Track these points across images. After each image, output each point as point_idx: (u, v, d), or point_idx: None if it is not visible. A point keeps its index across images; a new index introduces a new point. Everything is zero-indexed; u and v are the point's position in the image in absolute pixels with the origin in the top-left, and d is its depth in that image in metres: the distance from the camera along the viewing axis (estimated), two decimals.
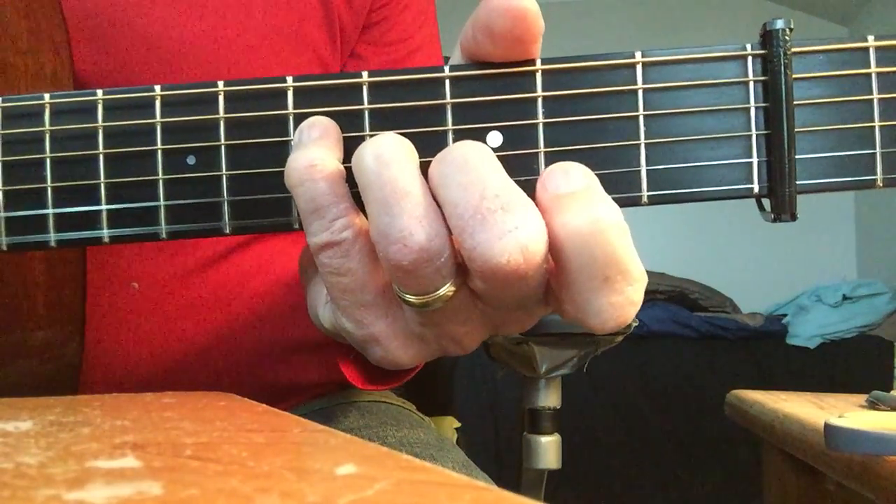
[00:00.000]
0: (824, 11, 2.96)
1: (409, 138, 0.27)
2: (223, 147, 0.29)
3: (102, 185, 0.30)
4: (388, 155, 0.25)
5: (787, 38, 0.28)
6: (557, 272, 0.26)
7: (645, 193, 0.28)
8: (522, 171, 0.28)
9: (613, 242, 0.25)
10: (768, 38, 0.28)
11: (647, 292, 0.26)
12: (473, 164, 0.25)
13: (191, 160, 0.29)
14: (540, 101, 0.28)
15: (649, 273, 0.27)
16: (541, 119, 0.28)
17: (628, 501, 2.03)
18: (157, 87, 0.29)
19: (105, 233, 0.30)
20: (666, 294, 2.32)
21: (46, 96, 0.30)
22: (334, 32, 0.50)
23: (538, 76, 0.28)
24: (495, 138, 0.28)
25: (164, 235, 0.30)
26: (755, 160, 0.28)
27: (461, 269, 0.26)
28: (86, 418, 0.23)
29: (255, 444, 0.19)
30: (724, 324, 2.19)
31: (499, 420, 1.99)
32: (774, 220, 0.28)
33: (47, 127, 0.30)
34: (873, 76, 0.28)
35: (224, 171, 0.29)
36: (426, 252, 0.25)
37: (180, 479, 0.15)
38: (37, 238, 0.30)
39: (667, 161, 0.28)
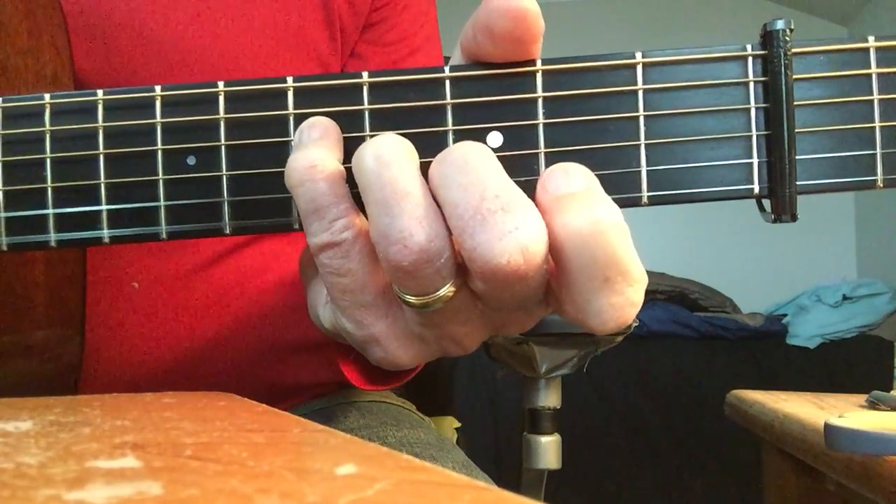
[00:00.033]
0: (824, 11, 2.96)
1: (409, 138, 0.27)
2: (223, 147, 0.29)
3: (103, 186, 0.30)
4: (389, 155, 0.25)
5: (787, 38, 0.28)
6: (558, 273, 0.26)
7: (645, 194, 0.28)
8: (523, 171, 0.28)
9: (613, 243, 0.25)
10: (769, 38, 0.28)
11: (647, 292, 0.26)
12: (474, 164, 0.25)
13: (191, 160, 0.29)
14: (540, 101, 0.28)
15: (649, 273, 0.27)
16: (541, 119, 0.28)
17: (628, 501, 2.03)
18: (158, 88, 0.29)
19: (105, 233, 0.30)
20: (666, 294, 2.32)
21: (47, 96, 0.30)
22: (335, 32, 0.50)
23: (538, 76, 0.28)
24: (495, 139, 0.28)
25: (164, 236, 0.30)
26: (755, 161, 0.28)
27: (461, 269, 0.26)
28: (86, 418, 0.23)
29: (255, 444, 0.19)
30: (724, 324, 2.19)
31: (499, 420, 1.99)
32: (775, 221, 0.28)
33: (48, 127, 0.30)
34: (874, 77, 0.28)
35: (224, 172, 0.29)
36: (426, 253, 0.25)
37: (180, 479, 0.15)
38: (37, 238, 0.30)
39: (667, 161, 0.28)
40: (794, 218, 0.28)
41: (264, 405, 0.26)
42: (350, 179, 0.27)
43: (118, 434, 0.20)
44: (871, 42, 0.28)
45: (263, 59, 0.46)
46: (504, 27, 0.26)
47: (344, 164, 0.28)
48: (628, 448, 2.06)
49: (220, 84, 0.29)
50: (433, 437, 0.50)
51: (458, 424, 0.74)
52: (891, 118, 0.28)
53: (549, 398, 0.72)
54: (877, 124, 0.28)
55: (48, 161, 0.30)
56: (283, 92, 0.29)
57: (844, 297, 2.31)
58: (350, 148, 0.27)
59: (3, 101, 0.30)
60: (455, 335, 0.29)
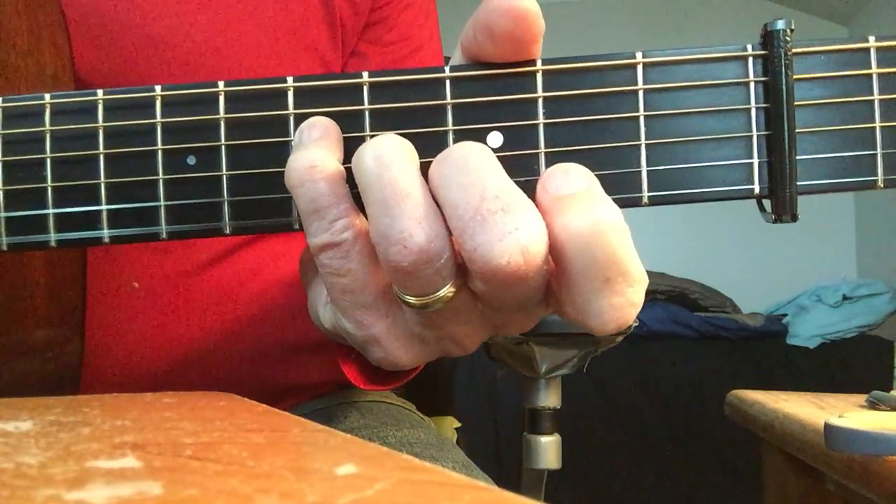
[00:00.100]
0: (824, 11, 2.96)
1: (409, 139, 0.27)
2: (223, 147, 0.29)
3: (103, 185, 0.30)
4: (389, 156, 0.25)
5: (787, 38, 0.28)
6: (558, 273, 0.26)
7: (645, 194, 0.28)
8: (523, 171, 0.28)
9: (614, 244, 0.25)
10: (769, 38, 0.28)
11: (647, 292, 0.26)
12: (474, 164, 0.25)
13: (191, 160, 0.29)
14: (540, 101, 0.28)
15: (649, 273, 0.27)
16: (541, 119, 0.28)
17: (628, 501, 2.03)
18: (158, 88, 0.29)
19: (105, 233, 0.30)
20: (666, 294, 2.32)
21: (47, 96, 0.30)
22: (336, 31, 0.50)
23: (539, 76, 0.28)
24: (496, 139, 0.28)
25: (164, 235, 0.30)
26: (756, 161, 0.28)
27: (461, 270, 0.26)
28: (86, 418, 0.23)
29: (255, 444, 0.19)
30: (724, 324, 2.19)
31: (499, 420, 1.99)
32: (775, 221, 0.28)
33: (48, 127, 0.30)
34: (874, 77, 0.28)
35: (224, 172, 0.29)
36: (426, 253, 0.25)
37: (180, 479, 0.15)
38: (37, 238, 0.30)
39: (667, 162, 0.28)
40: (794, 218, 0.28)
41: (264, 405, 0.26)
42: (350, 180, 0.27)
43: (118, 434, 0.20)
44: (872, 42, 0.28)
45: (264, 59, 0.46)
46: (504, 27, 0.26)
47: (344, 164, 0.28)
48: (628, 448, 2.06)
49: (221, 84, 0.29)
50: (433, 437, 0.50)
51: (458, 424, 0.74)
52: (891, 118, 0.28)
53: (549, 398, 0.72)
54: (877, 124, 0.28)
55: (48, 161, 0.30)
56: (284, 92, 0.29)
57: (844, 297, 2.31)
58: (350, 148, 0.27)
59: (3, 101, 0.30)
60: (455, 335, 0.29)
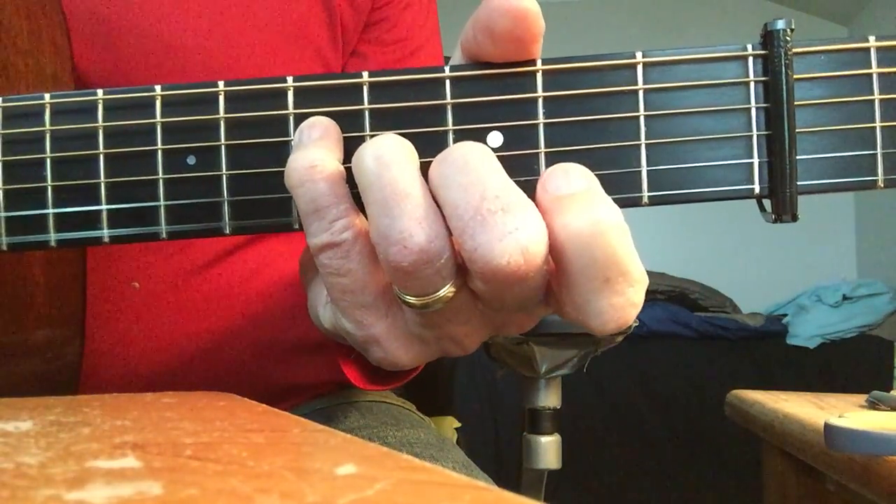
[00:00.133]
0: (824, 11, 2.96)
1: (409, 139, 0.27)
2: (223, 147, 0.29)
3: (102, 185, 0.30)
4: (389, 156, 0.25)
5: (787, 38, 0.28)
6: (558, 273, 0.26)
7: (645, 194, 0.28)
8: (523, 171, 0.28)
9: (614, 244, 0.25)
10: (769, 38, 0.28)
11: (647, 292, 0.26)
12: (474, 164, 0.25)
13: (191, 160, 0.29)
14: (540, 101, 0.28)
15: (649, 273, 0.27)
16: (541, 119, 0.28)
17: (628, 501, 2.03)
18: (158, 87, 0.29)
19: (105, 233, 0.30)
20: (666, 294, 2.32)
21: (47, 96, 0.30)
22: (336, 31, 0.50)
23: (539, 76, 0.28)
24: (496, 139, 0.28)
25: (164, 235, 0.30)
26: (756, 161, 0.28)
27: (461, 270, 0.26)
28: (86, 418, 0.23)
29: (255, 444, 0.19)
30: (724, 324, 2.19)
31: (499, 420, 1.99)
32: (775, 221, 0.28)
33: (48, 127, 0.30)
34: (874, 77, 0.28)
35: (224, 171, 0.29)
36: (426, 253, 0.25)
37: (180, 479, 0.15)
38: (37, 238, 0.30)
39: (667, 162, 0.28)
40: (794, 218, 0.28)
41: (264, 405, 0.26)
42: (350, 179, 0.27)
43: (118, 434, 0.20)
44: (872, 42, 0.28)
45: (264, 58, 0.46)
46: (504, 27, 0.26)
47: (344, 164, 0.28)
48: (628, 448, 2.06)
49: (220, 84, 0.29)
50: (433, 437, 0.50)
51: (458, 424, 0.74)
52: (891, 118, 0.28)
53: (549, 398, 0.72)
54: (877, 124, 0.28)
55: (48, 161, 0.30)
56: (283, 92, 0.29)
57: (844, 297, 2.31)
58: (350, 148, 0.27)
59: (3, 101, 0.30)
60: (455, 335, 0.29)
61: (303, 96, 0.29)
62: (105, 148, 0.30)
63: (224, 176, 0.29)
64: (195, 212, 0.29)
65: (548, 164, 0.28)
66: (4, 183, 0.30)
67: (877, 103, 0.28)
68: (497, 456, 1.95)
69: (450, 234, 0.25)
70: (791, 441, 0.73)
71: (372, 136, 0.28)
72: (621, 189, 0.28)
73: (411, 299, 0.27)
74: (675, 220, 2.90)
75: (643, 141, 0.28)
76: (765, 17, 0.29)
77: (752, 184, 0.28)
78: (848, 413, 0.61)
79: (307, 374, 0.51)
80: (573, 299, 0.26)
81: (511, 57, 0.28)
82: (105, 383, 0.43)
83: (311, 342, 0.50)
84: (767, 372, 2.11)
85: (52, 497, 0.13)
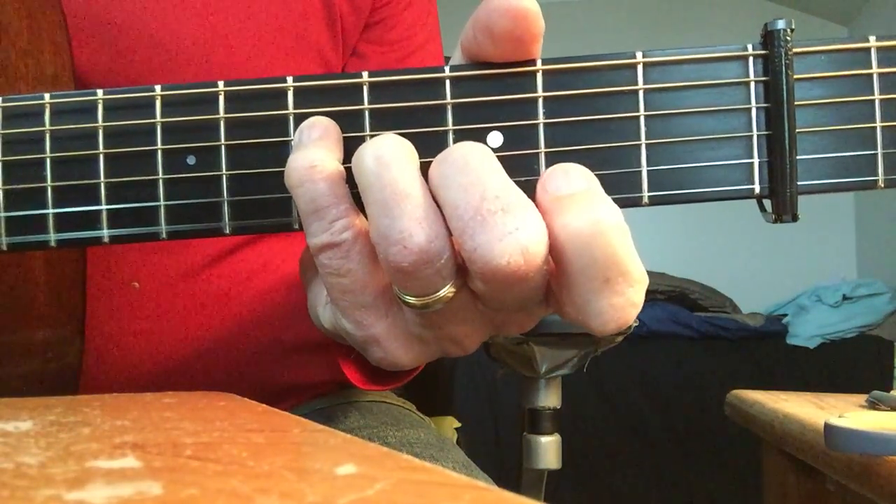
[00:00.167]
0: (824, 11, 2.96)
1: (409, 139, 0.27)
2: (223, 147, 0.29)
3: (102, 185, 0.30)
4: (389, 156, 0.25)
5: (788, 38, 0.28)
6: (558, 274, 0.26)
7: (646, 194, 0.28)
8: (523, 171, 0.28)
9: (614, 244, 0.25)
10: (769, 38, 0.28)
11: (647, 292, 0.26)
12: (474, 165, 0.25)
13: (191, 160, 0.29)
14: (540, 101, 0.28)
15: (649, 273, 0.27)
16: (541, 119, 0.28)
17: (628, 501, 2.03)
18: (158, 87, 0.29)
19: (105, 233, 0.30)
20: (666, 294, 2.32)
21: (47, 96, 0.30)
22: (336, 31, 0.50)
23: (539, 76, 0.28)
24: (496, 139, 0.28)
25: (164, 235, 0.30)
26: (756, 161, 0.28)
27: (461, 270, 0.26)
28: (86, 418, 0.23)
29: (255, 444, 0.19)
30: (724, 324, 2.19)
31: (499, 420, 1.99)
32: (776, 221, 0.28)
33: (47, 127, 0.30)
34: (875, 77, 0.28)
35: (224, 172, 0.29)
36: (426, 254, 0.25)
37: (180, 479, 0.15)
38: (37, 238, 0.30)
39: (668, 162, 0.28)
40: (795, 218, 0.28)
41: (264, 405, 0.26)
42: (350, 180, 0.27)
43: (118, 434, 0.20)
44: (873, 42, 0.28)
45: (265, 58, 0.46)
46: (504, 27, 0.26)
47: (344, 164, 0.28)
48: (628, 448, 2.06)
49: (220, 84, 0.29)
50: (433, 437, 0.50)
51: (458, 424, 0.74)
52: (892, 118, 0.28)
53: (549, 398, 0.72)
54: (878, 124, 0.28)
55: (48, 161, 0.30)
56: (283, 92, 0.29)
57: (844, 297, 2.31)
58: (350, 148, 0.27)
59: (3, 101, 0.30)
60: (455, 336, 0.29)
61: (303, 96, 0.29)
62: (105, 148, 0.30)
63: (224, 176, 0.29)
64: (195, 212, 0.29)
65: (548, 165, 0.28)
66: (4, 183, 0.30)
67: (877, 103, 0.28)
68: (497, 456, 1.95)
69: (450, 234, 0.25)
70: (791, 441, 0.73)
71: (372, 137, 0.28)
72: (621, 189, 0.28)
73: (411, 299, 0.27)
74: (675, 220, 2.90)
75: (643, 141, 0.28)
76: (765, 17, 0.29)
77: (753, 184, 0.28)
78: (848, 413, 0.61)
79: (307, 374, 0.51)
80: (573, 299, 0.26)
81: (511, 57, 0.28)
82: (105, 383, 0.43)
83: (311, 342, 0.50)
84: (767, 372, 2.11)
85: (52, 497, 0.13)
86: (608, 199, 0.25)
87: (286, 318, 0.49)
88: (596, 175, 0.26)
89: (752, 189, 0.28)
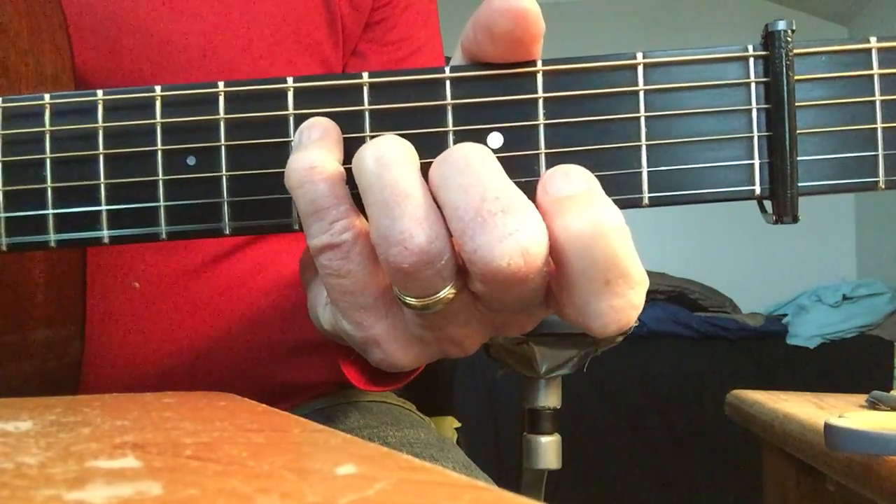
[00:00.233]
0: (824, 12, 2.96)
1: (409, 139, 0.27)
2: (223, 148, 0.29)
3: (102, 186, 0.30)
4: (389, 157, 0.25)
5: (788, 39, 0.28)
6: (558, 275, 0.26)
7: (646, 195, 0.28)
8: (523, 172, 0.28)
9: (614, 245, 0.25)
10: (770, 39, 0.28)
11: (647, 292, 0.26)
12: (474, 165, 0.25)
13: (191, 161, 0.29)
14: (541, 102, 0.28)
15: (649, 273, 0.27)
16: (542, 120, 0.28)
17: (628, 501, 2.03)
18: (158, 88, 0.29)
19: (105, 233, 0.30)
20: (666, 294, 2.32)
21: (47, 96, 0.30)
22: (336, 31, 0.50)
23: (539, 77, 0.28)
24: (496, 139, 0.28)
25: (164, 236, 0.30)
26: (757, 162, 0.28)
27: (461, 271, 0.26)
28: (86, 418, 0.23)
29: (255, 444, 0.19)
30: (724, 324, 2.19)
31: (499, 420, 1.99)
32: (776, 222, 0.28)
33: (47, 127, 0.30)
34: (875, 77, 0.28)
35: (224, 172, 0.29)
36: (427, 254, 0.25)
37: (180, 479, 0.15)
38: (37, 238, 0.30)
39: (668, 163, 0.28)
40: (795, 219, 0.28)
41: (264, 405, 0.26)
42: (350, 180, 0.27)
43: (118, 434, 0.20)
44: (873, 43, 0.28)
45: (265, 58, 0.46)
46: (504, 27, 0.26)
47: (344, 164, 0.28)
48: (628, 448, 2.06)
49: (220, 84, 0.29)
50: (433, 437, 0.50)
51: (458, 424, 0.74)
52: (892, 119, 0.28)
53: (549, 398, 0.72)
54: (878, 125, 0.28)
55: (48, 161, 0.30)
56: (284, 92, 0.29)
57: (844, 297, 2.31)
58: (350, 149, 0.27)
59: (3, 101, 0.30)
60: (455, 337, 0.29)
61: (303, 97, 0.29)
62: (105, 148, 0.30)
63: (224, 176, 0.29)
64: (195, 212, 0.29)
65: (548, 165, 0.28)
66: (4, 183, 0.30)
67: (878, 104, 0.28)
68: (497, 456, 1.95)
69: (450, 235, 0.25)
70: (791, 441, 0.73)
71: (372, 137, 0.28)
72: (622, 190, 0.28)
73: (411, 300, 0.27)
74: (676, 221, 2.90)
75: (644, 142, 0.28)
76: (765, 17, 0.29)
77: (753, 185, 0.28)
78: (848, 413, 0.61)
79: (307, 374, 0.51)
80: (573, 301, 0.26)
81: (511, 57, 0.28)
82: (105, 383, 0.43)
83: (312, 342, 0.50)
84: (767, 372, 2.11)
85: (52, 497, 0.13)
86: (608, 201, 0.25)
87: (286, 318, 0.49)
88: (596, 176, 0.26)
89: (753, 190, 0.28)
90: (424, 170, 0.26)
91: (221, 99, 0.29)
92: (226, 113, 0.29)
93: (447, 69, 0.28)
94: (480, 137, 0.28)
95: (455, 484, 0.15)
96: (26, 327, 0.37)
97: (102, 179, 0.30)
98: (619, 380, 2.08)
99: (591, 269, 0.25)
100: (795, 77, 0.28)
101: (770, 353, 2.16)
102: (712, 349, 2.15)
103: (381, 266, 0.27)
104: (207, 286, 0.46)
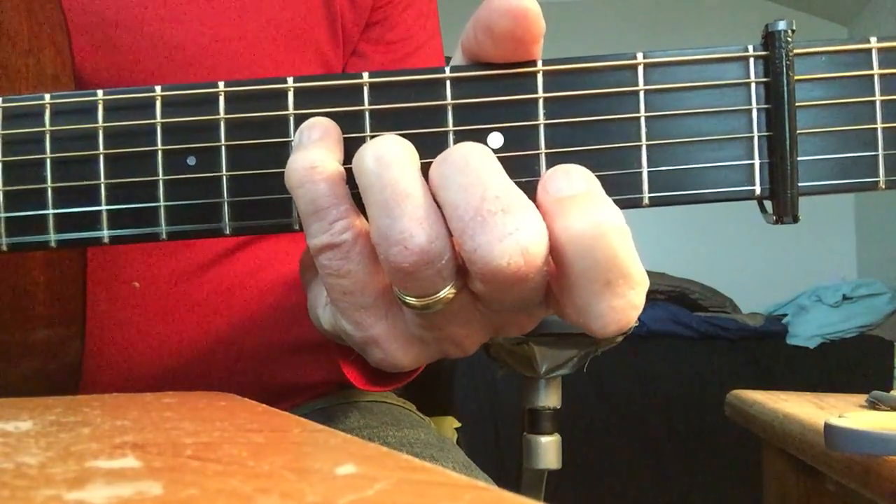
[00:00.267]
0: (824, 11, 2.96)
1: (409, 139, 0.27)
2: (223, 148, 0.29)
3: (103, 186, 0.30)
4: (389, 157, 0.25)
5: (789, 39, 0.28)
6: (559, 276, 0.26)
7: (646, 195, 0.28)
8: (523, 172, 0.28)
9: (615, 246, 0.25)
10: (770, 39, 0.28)
11: (647, 293, 0.26)
12: (474, 165, 0.25)
13: (191, 161, 0.29)
14: (541, 102, 0.28)
15: (649, 273, 0.27)
16: (542, 120, 0.28)
17: (628, 501, 2.03)
18: (158, 88, 0.29)
19: (105, 233, 0.30)
20: (666, 294, 2.32)
21: (47, 96, 0.30)
22: (336, 30, 0.50)
23: (539, 77, 0.28)
24: (496, 139, 0.28)
25: (164, 236, 0.30)
26: (757, 162, 0.28)
27: (462, 271, 0.26)
28: (86, 418, 0.23)
29: (255, 444, 0.19)
30: (724, 324, 2.19)
31: (499, 420, 1.99)
32: (776, 223, 0.28)
33: (48, 127, 0.30)
34: (875, 78, 0.28)
35: (224, 172, 0.29)
36: (427, 254, 0.25)
37: (180, 479, 0.15)
38: (37, 238, 0.30)
39: (668, 163, 0.28)
40: (795, 219, 0.28)
41: (264, 405, 0.26)
42: (350, 180, 0.27)
43: (118, 434, 0.20)
44: (874, 43, 0.28)
45: (264, 58, 0.46)
46: (505, 26, 0.26)
47: (344, 164, 0.28)
48: (628, 448, 2.06)
49: (221, 84, 0.29)
50: (433, 437, 0.50)
51: (458, 424, 0.74)
52: (893, 119, 0.28)
53: (549, 398, 0.72)
54: (878, 125, 0.28)
55: (48, 161, 0.30)
56: (284, 92, 0.29)
57: (844, 297, 2.31)
58: (350, 149, 0.27)
59: (3, 101, 0.30)
60: (455, 337, 0.29)
61: (303, 97, 0.29)
62: (105, 148, 0.30)
63: (224, 177, 0.29)
64: (195, 212, 0.29)
65: (548, 165, 0.28)
66: (4, 184, 0.30)
67: (878, 104, 0.28)
68: (497, 456, 1.95)
69: (450, 235, 0.25)
70: (791, 441, 0.73)
71: (372, 137, 0.28)
72: (622, 190, 0.28)
73: (411, 300, 0.27)
74: (676, 221, 2.90)
75: (644, 142, 0.28)
76: (765, 17, 0.29)
77: (753, 185, 0.28)
78: (848, 413, 0.61)
79: (307, 374, 0.51)
80: (574, 301, 0.26)
81: (511, 57, 0.28)
82: (105, 383, 0.43)
83: (312, 342, 0.50)
84: (767, 372, 2.11)
85: (52, 497, 0.13)
86: (609, 201, 0.25)
87: (286, 318, 0.49)
88: (597, 176, 0.26)
89: (753, 190, 0.28)
90: (424, 170, 0.26)
91: (222, 99, 0.29)
92: (226, 113, 0.29)
93: (447, 69, 0.28)
94: (481, 137, 0.28)
95: (455, 484, 0.15)
96: (27, 327, 0.37)
97: (103, 179, 0.30)
98: (619, 380, 2.08)
99: (592, 269, 0.25)
100: (795, 77, 0.28)
101: (770, 353, 2.16)
102: (712, 349, 2.15)
103: (381, 266, 0.27)
104: (207, 286, 0.46)
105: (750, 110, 0.28)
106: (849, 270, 2.89)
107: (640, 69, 0.28)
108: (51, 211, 0.30)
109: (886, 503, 0.53)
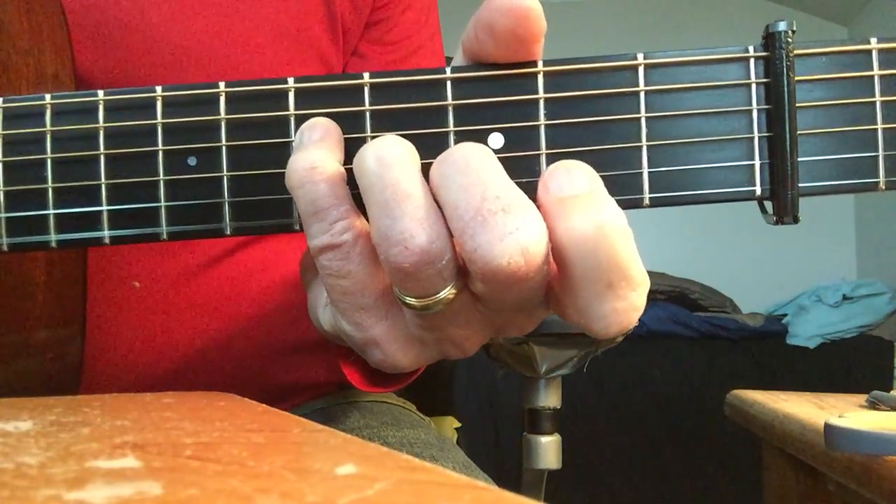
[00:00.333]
0: (824, 12, 2.96)
1: (410, 140, 0.27)
2: (224, 148, 0.29)
3: (103, 186, 0.30)
4: (390, 157, 0.25)
5: (789, 39, 0.28)
6: (560, 276, 0.26)
7: (647, 196, 0.28)
8: (524, 172, 0.28)
9: (618, 248, 0.24)
10: (771, 40, 0.28)
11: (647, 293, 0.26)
12: (474, 165, 0.25)
13: (192, 161, 0.29)
14: (542, 102, 0.28)
15: (649, 273, 0.27)
16: (542, 121, 0.28)
17: (628, 501, 2.03)
18: (159, 88, 0.29)
19: (106, 233, 0.30)
20: (666, 294, 2.32)
21: (47, 97, 0.30)
22: (337, 31, 0.50)
23: (540, 77, 0.28)
24: (497, 140, 0.28)
25: (164, 236, 0.30)
26: (757, 162, 0.28)
27: (462, 271, 0.26)
28: (86, 418, 0.23)
29: (255, 444, 0.19)
30: (724, 324, 2.19)
31: (499, 420, 1.99)
32: (777, 223, 0.28)
33: (48, 127, 0.30)
34: (876, 78, 0.28)
35: (225, 172, 0.29)
36: (427, 254, 0.25)
37: (180, 479, 0.15)
38: (37, 238, 0.30)
39: (669, 163, 0.28)
40: (795, 220, 0.28)
41: (264, 405, 0.26)
42: (350, 181, 0.27)
43: (118, 434, 0.20)
44: (874, 44, 0.28)
45: (265, 58, 0.46)
46: (506, 26, 0.26)
47: (345, 165, 0.28)
48: (628, 448, 2.06)
49: (221, 85, 0.29)
50: (433, 437, 0.50)
51: (458, 424, 0.74)
52: (893, 120, 0.28)
53: (549, 398, 0.72)
54: (879, 126, 0.28)
55: (49, 161, 0.30)
56: (284, 93, 0.29)
57: (844, 297, 2.32)
58: (351, 149, 0.27)
59: (4, 102, 0.30)
60: (455, 338, 0.29)
61: (304, 97, 0.29)
62: (106, 149, 0.30)
63: (225, 177, 0.29)
64: (196, 213, 0.29)
65: (549, 166, 0.28)
66: (5, 184, 0.30)
67: (878, 105, 0.28)
68: (497, 456, 1.95)
69: (451, 235, 0.25)
70: (791, 441, 0.73)
71: (373, 138, 0.28)
72: (622, 191, 0.28)
73: (412, 301, 0.27)
74: (676, 221, 2.90)
75: (644, 142, 0.28)
76: (765, 17, 0.29)
77: (754, 185, 0.28)
78: (848, 413, 0.61)
79: (307, 374, 0.51)
80: (575, 303, 0.26)
81: (512, 57, 0.28)
82: (105, 383, 0.43)
83: (312, 342, 0.50)
84: (767, 372, 2.11)
85: (52, 497, 0.13)
86: (612, 201, 0.25)
87: (286, 318, 0.49)
88: None
89: (754, 191, 0.28)
90: (425, 170, 0.26)
91: (222, 99, 0.29)
92: (227, 113, 0.29)
93: (448, 69, 0.28)
94: (481, 138, 0.28)
95: (455, 484, 0.15)
96: (27, 327, 0.37)
97: (103, 180, 0.30)
98: (619, 380, 2.08)
99: (594, 271, 0.25)
100: (796, 78, 0.28)
101: (770, 353, 2.16)
102: (712, 349, 2.15)
103: (381, 267, 0.27)
104: (207, 286, 0.46)
105: (750, 111, 0.28)
106: (849, 270, 2.89)
107: (641, 70, 0.28)
108: (51, 211, 0.30)
109: (886, 503, 0.53)
